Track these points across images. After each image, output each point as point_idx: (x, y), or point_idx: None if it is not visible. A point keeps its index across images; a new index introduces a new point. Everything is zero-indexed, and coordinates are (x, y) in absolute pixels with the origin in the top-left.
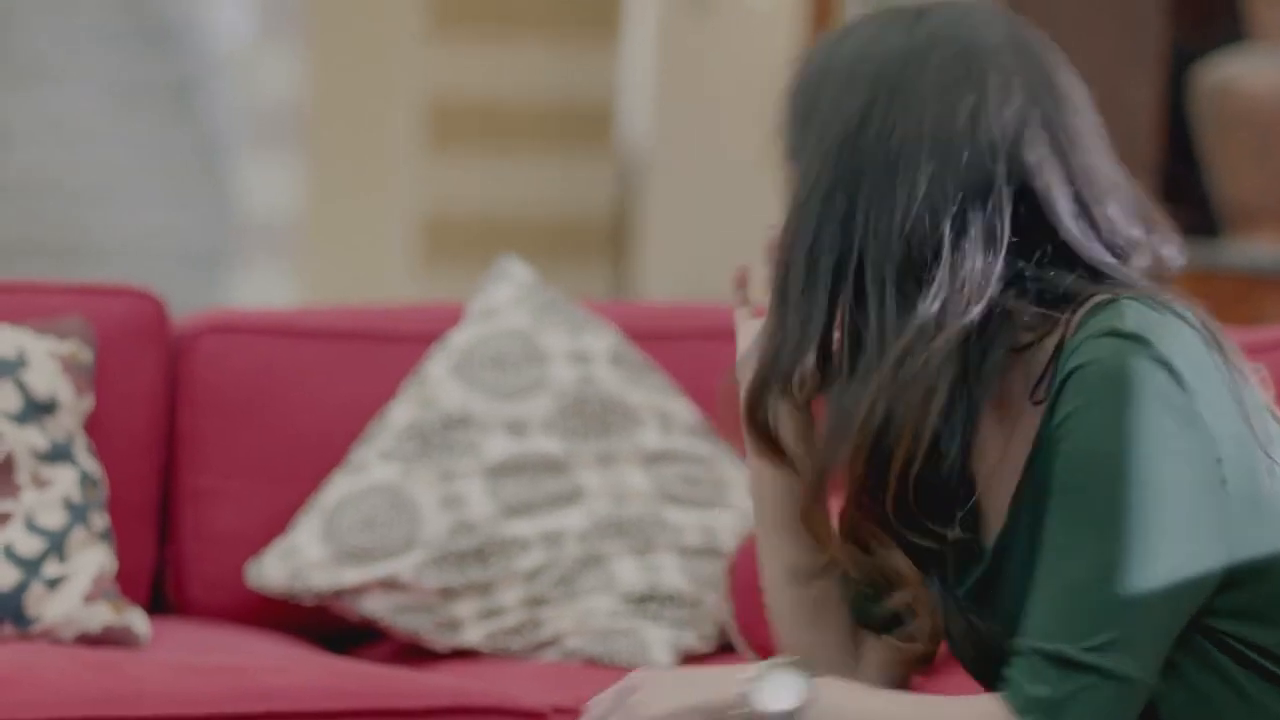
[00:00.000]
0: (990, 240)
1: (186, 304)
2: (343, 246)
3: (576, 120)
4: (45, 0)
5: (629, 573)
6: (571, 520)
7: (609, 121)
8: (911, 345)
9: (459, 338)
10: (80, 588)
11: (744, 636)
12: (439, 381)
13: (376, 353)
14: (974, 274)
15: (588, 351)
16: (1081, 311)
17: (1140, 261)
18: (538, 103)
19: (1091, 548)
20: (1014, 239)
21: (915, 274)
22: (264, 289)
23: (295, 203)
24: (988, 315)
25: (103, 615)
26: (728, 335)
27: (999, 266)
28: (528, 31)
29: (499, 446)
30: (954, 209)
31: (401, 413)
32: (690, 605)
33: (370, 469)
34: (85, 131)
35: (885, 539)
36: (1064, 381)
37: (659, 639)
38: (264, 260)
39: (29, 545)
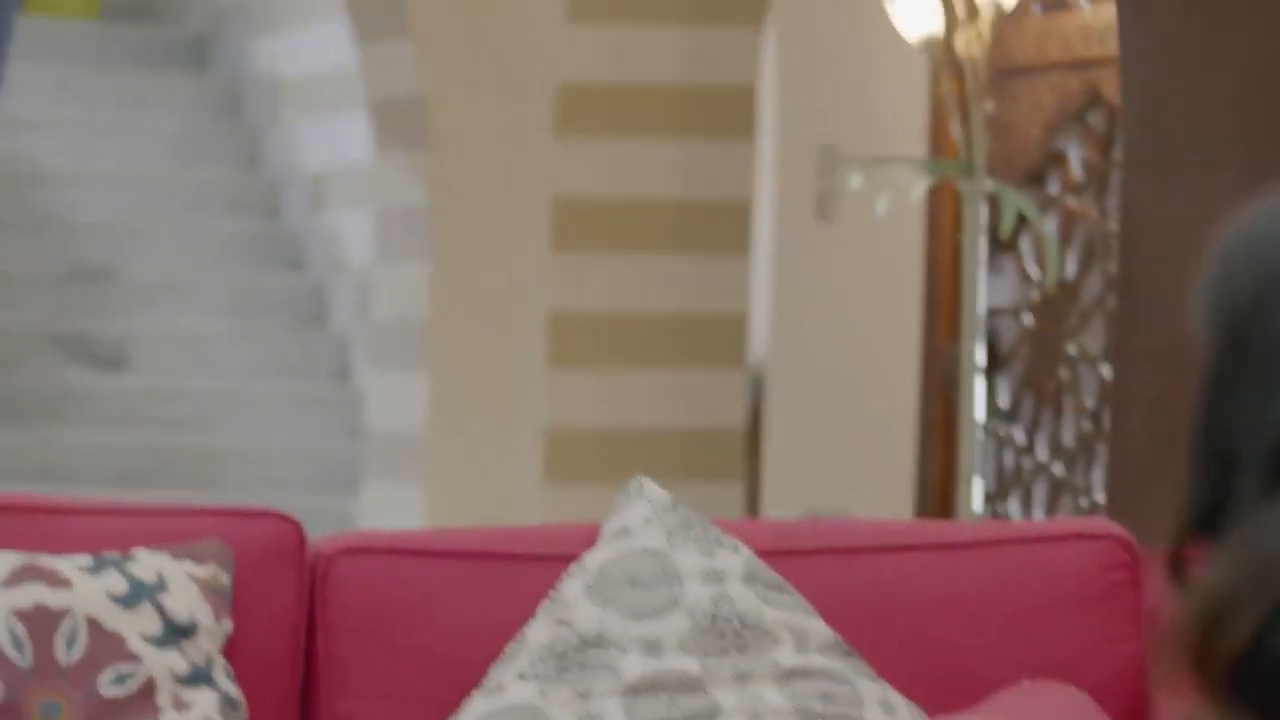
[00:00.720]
0: None
1: (315, 520)
2: (469, 461)
3: (704, 331)
4: (169, 218)
5: None
6: None
7: (738, 333)
8: (1262, 548)
9: (594, 558)
10: None
11: None
12: (575, 601)
13: (512, 573)
14: None
15: (721, 570)
16: None
17: None
18: (664, 315)
19: None
20: None
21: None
22: (391, 504)
23: (421, 418)
24: None
25: None
26: (856, 551)
27: None
28: (652, 244)
29: (635, 666)
30: None
31: (538, 633)
32: None
33: (507, 690)
34: (209, 347)
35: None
36: None
37: None
38: (390, 475)
39: None
